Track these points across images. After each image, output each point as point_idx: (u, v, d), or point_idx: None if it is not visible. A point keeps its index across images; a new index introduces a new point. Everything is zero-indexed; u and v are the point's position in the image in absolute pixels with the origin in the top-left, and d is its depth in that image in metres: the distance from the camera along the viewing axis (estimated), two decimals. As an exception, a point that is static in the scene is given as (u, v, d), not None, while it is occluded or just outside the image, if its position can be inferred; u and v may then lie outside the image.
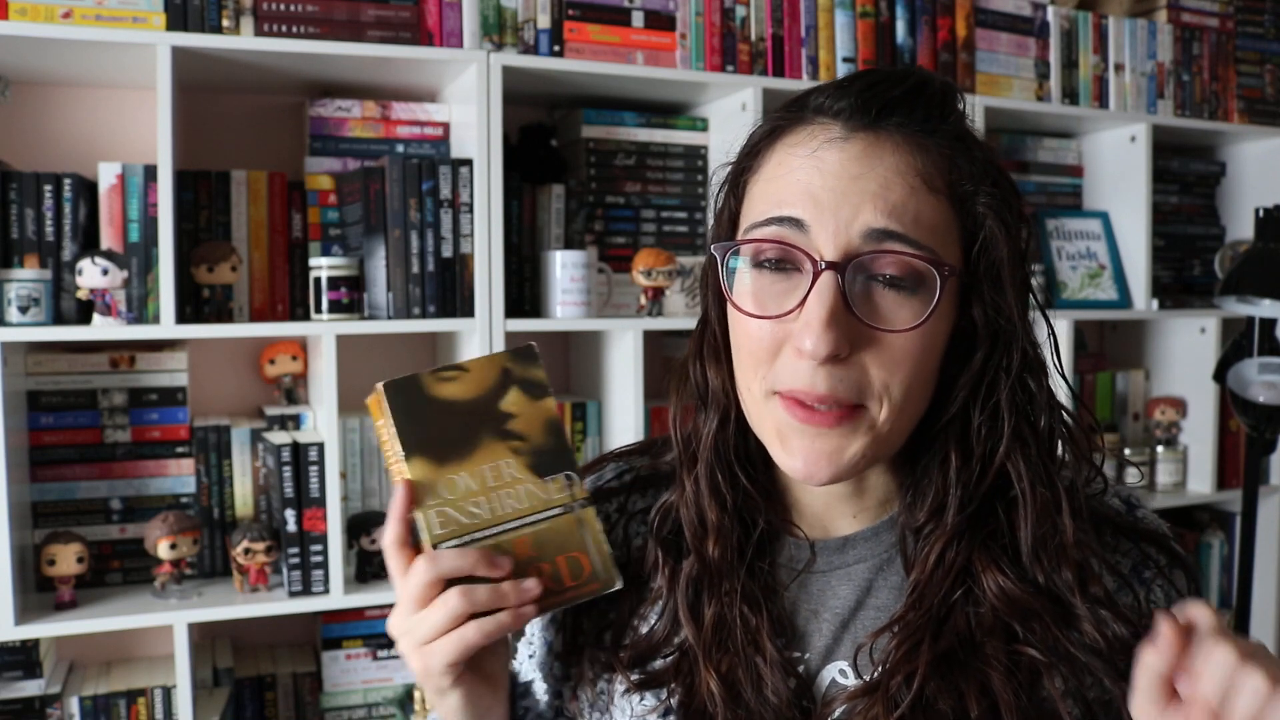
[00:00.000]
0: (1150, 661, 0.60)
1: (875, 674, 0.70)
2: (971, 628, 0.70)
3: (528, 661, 0.87)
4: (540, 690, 0.85)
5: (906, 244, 0.67)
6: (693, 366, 0.80)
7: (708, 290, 0.79)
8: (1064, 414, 0.75)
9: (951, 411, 0.72)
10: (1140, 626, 0.70)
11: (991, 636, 0.69)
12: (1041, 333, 0.75)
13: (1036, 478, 0.71)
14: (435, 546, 0.71)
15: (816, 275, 0.67)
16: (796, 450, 0.70)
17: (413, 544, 0.72)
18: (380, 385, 0.73)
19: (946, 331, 0.71)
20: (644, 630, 0.78)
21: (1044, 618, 0.69)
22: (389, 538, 0.72)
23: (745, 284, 0.71)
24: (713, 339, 0.78)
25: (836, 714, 0.71)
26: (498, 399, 0.76)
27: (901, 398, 0.69)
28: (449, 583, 0.70)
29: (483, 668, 0.74)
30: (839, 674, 0.74)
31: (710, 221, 0.80)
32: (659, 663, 0.76)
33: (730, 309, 0.73)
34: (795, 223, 0.68)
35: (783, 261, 0.70)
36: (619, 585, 0.75)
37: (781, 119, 0.74)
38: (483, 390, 0.75)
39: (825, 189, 0.68)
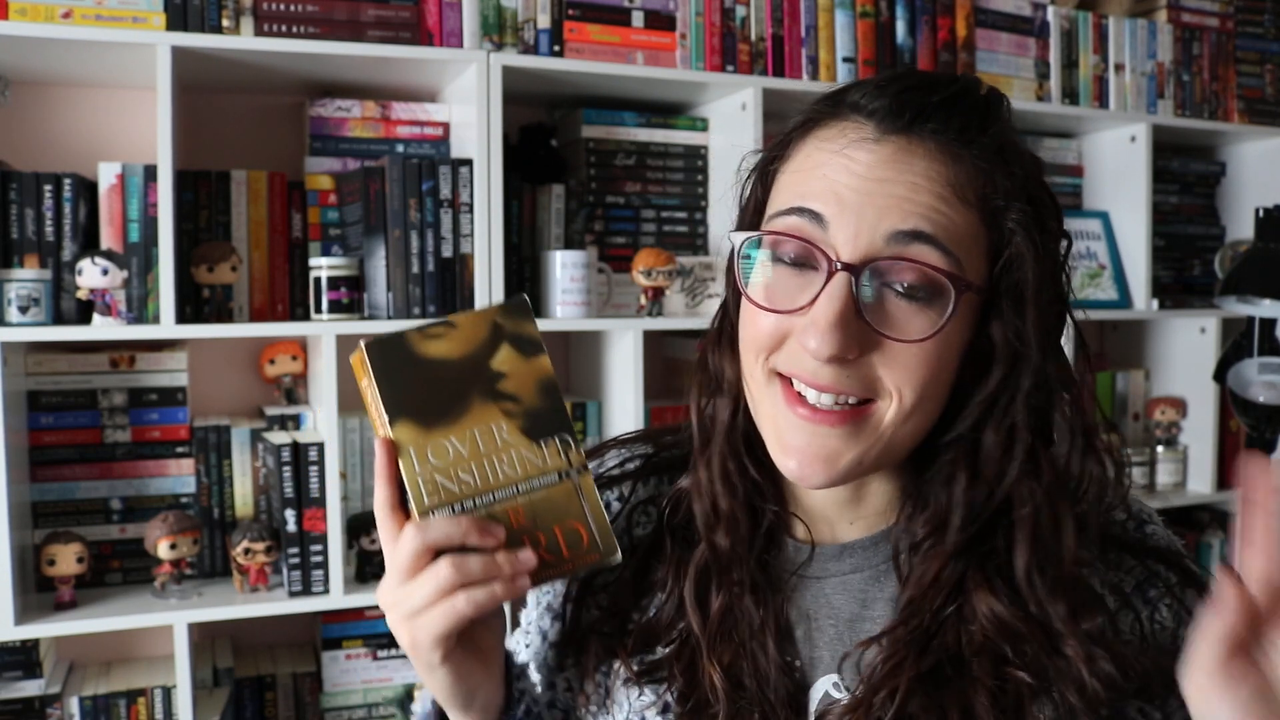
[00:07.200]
0: (1215, 625, 0.56)
1: (860, 691, 0.69)
2: (960, 645, 0.69)
3: (525, 650, 0.86)
4: (535, 678, 0.84)
5: (932, 246, 0.66)
6: (711, 353, 0.79)
7: (731, 277, 0.77)
8: (1095, 445, 0.71)
9: (962, 428, 0.71)
10: (1141, 646, 0.69)
11: (980, 656, 0.68)
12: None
13: (1043, 505, 0.69)
14: (424, 515, 0.68)
15: (830, 275, 0.66)
16: (792, 449, 0.69)
17: (404, 508, 0.69)
18: (362, 343, 0.69)
19: (962, 345, 0.70)
20: (646, 618, 0.77)
21: (1033, 643, 0.67)
22: (379, 500, 0.68)
23: (761, 275, 0.71)
24: (730, 327, 0.77)
25: None
26: (488, 357, 0.71)
27: (914, 401, 0.67)
28: (439, 552, 0.66)
29: (475, 641, 0.70)
30: (832, 687, 0.73)
31: (735, 211, 0.79)
32: (660, 651, 0.75)
33: (742, 297, 0.73)
34: (815, 216, 0.67)
35: (800, 257, 0.69)
36: (618, 558, 0.71)
37: (816, 112, 0.73)
38: (472, 348, 0.71)
39: (850, 188, 0.67)
